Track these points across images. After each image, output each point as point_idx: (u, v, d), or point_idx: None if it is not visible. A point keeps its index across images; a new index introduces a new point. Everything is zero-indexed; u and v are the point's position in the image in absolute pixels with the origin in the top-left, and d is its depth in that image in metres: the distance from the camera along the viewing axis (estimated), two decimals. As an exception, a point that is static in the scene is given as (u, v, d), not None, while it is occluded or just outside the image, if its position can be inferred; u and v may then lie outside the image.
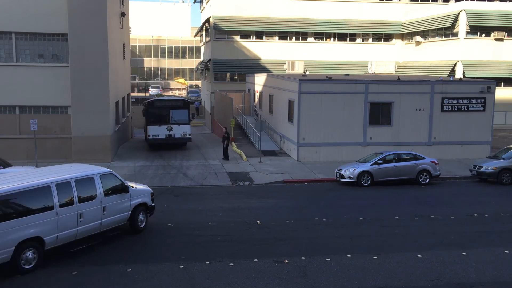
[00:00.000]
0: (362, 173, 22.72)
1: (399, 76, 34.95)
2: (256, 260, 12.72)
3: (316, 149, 28.02)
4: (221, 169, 26.15)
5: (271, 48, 49.35)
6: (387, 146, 27.30)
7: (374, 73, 47.65)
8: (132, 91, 61.09)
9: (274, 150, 30.89)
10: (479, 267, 12.32)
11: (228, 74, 50.67)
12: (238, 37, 48.98)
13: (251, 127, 33.57)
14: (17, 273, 11.89)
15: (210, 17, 48.25)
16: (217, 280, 11.46)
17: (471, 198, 20.60)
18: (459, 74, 41.67)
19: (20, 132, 26.83)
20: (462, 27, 42.25)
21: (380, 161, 23.12)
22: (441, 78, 31.46)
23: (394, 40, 51.48)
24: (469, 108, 29.00)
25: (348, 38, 50.59)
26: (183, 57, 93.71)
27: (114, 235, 14.69)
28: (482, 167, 23.66)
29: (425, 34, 47.68)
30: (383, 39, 51.40)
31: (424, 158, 23.70)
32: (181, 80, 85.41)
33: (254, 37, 49.27)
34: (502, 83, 42.90)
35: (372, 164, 23.00)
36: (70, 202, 13.10)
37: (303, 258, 12.86)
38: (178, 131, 31.52)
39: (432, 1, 50.84)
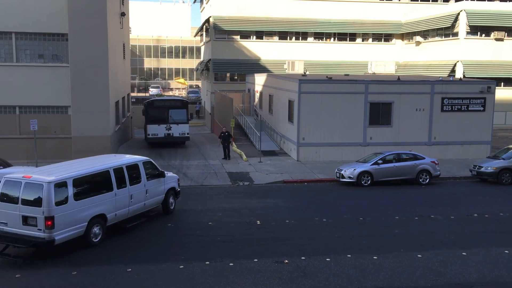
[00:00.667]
0: (362, 173, 22.72)
1: (399, 76, 34.96)
2: (256, 260, 12.72)
3: (316, 149, 28.02)
4: (221, 169, 26.16)
5: (271, 48, 49.36)
6: (387, 146, 27.29)
7: (374, 73, 47.64)
8: (132, 91, 61.10)
9: (274, 150, 30.90)
10: (479, 267, 12.32)
11: (228, 74, 50.68)
12: (238, 37, 48.99)
13: (251, 127, 33.58)
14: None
15: (210, 17, 48.26)
16: (217, 280, 11.46)
17: (471, 198, 20.60)
18: (459, 74, 41.68)
19: (20, 132, 26.84)
20: (462, 27, 42.26)
21: (380, 161, 23.12)
22: (441, 78, 31.46)
23: (394, 40, 51.49)
24: (469, 108, 29.00)
25: (348, 38, 50.60)
26: (183, 57, 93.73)
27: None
28: (482, 167, 23.66)
29: (425, 34, 47.69)
30: (383, 39, 51.42)
31: (424, 158, 23.70)
32: (181, 80, 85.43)
33: (254, 37, 49.28)
34: (502, 83, 42.90)
35: (372, 164, 23.00)
36: (124, 185, 15.19)
37: (303, 258, 12.87)
38: (177, 130, 32.28)
39: (432, 1, 50.86)
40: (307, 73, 39.04)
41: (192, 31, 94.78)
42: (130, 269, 12.13)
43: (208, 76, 52.70)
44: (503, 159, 23.66)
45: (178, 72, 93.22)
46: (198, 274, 11.85)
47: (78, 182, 13.69)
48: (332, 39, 50.41)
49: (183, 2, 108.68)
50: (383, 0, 50.23)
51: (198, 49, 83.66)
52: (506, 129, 41.07)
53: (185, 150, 32.21)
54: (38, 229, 12.86)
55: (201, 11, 60.15)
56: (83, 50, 26.28)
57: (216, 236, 14.88)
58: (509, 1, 45.78)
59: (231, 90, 44.98)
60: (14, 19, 26.01)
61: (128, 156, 17.01)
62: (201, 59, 61.64)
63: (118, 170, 15.06)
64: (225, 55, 48.34)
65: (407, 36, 50.79)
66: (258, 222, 16.41)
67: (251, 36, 49.24)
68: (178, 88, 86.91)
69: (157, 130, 32.11)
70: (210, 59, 49.58)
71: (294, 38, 49.92)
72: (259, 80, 39.35)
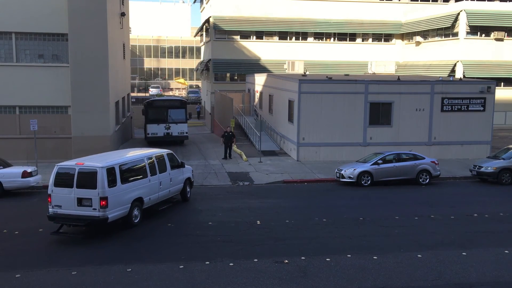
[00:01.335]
0: (362, 173, 22.72)
1: (399, 76, 34.95)
2: (256, 260, 12.72)
3: (316, 149, 28.02)
4: (221, 169, 26.16)
5: (271, 48, 49.36)
6: (387, 146, 27.29)
7: (374, 73, 47.67)
8: (132, 91, 61.10)
9: (274, 150, 30.90)
10: (479, 267, 12.32)
11: (228, 74, 50.68)
12: (238, 37, 48.99)
13: (251, 127, 33.58)
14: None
15: (210, 17, 48.26)
16: (217, 280, 11.46)
17: (471, 198, 20.60)
18: (459, 74, 41.68)
19: (20, 132, 26.84)
20: (462, 27, 42.26)
21: (380, 161, 23.12)
22: (441, 78, 31.45)
23: (394, 40, 51.49)
24: (469, 108, 29.00)
25: (348, 38, 50.60)
26: (183, 57, 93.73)
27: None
28: (482, 167, 23.65)
29: (425, 34, 47.69)
30: (383, 39, 51.42)
31: (424, 158, 23.69)
32: (181, 80, 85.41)
33: (254, 37, 49.28)
34: (502, 83, 42.90)
35: (372, 164, 23.00)
36: (154, 173, 16.98)
37: (303, 258, 12.86)
38: (176, 129, 32.92)
39: (432, 1, 50.86)
40: (307, 73, 39.03)
41: (192, 31, 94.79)
42: (130, 269, 12.13)
43: (208, 76, 52.70)
44: (503, 159, 23.65)
45: (178, 72, 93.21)
46: (198, 274, 11.85)
47: (123, 168, 15.51)
48: (332, 39, 50.41)
49: (183, 2, 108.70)
50: (383, 0, 50.23)
51: (198, 49, 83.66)
52: (506, 129, 41.08)
53: (185, 150, 32.22)
54: (93, 208, 14.60)
55: (201, 11, 60.16)
56: (83, 50, 26.28)
57: (216, 236, 14.88)
58: (509, 1, 45.78)
59: (231, 90, 44.98)
60: (14, 19, 26.02)
61: (150, 149, 18.79)
62: (201, 59, 61.64)
63: (150, 160, 16.97)
64: (225, 55, 48.34)
65: (407, 36, 50.80)
66: (258, 222, 16.41)
67: (251, 36, 49.24)
68: (178, 88, 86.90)
69: (157, 130, 32.73)
70: (210, 59, 49.58)
71: (294, 38, 49.92)
72: (259, 80, 39.35)
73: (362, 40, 51.13)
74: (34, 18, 26.06)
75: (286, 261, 12.66)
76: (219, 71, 49.33)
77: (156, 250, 13.68)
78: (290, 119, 29.30)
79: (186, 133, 33.44)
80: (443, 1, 50.53)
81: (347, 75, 38.18)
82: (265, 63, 48.87)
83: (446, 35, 44.40)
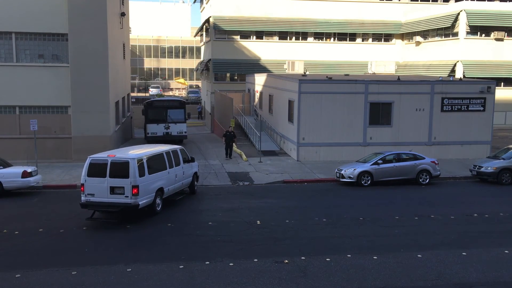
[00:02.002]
0: (362, 173, 22.72)
1: (399, 76, 34.95)
2: (256, 260, 12.72)
3: (316, 149, 28.02)
4: (221, 169, 26.15)
5: (271, 48, 49.35)
6: (387, 146, 27.30)
7: (374, 73, 47.67)
8: (132, 91, 61.11)
9: (274, 150, 30.90)
10: (479, 267, 12.32)
11: (228, 74, 50.67)
12: (238, 37, 48.99)
13: (251, 127, 33.58)
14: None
15: (210, 17, 48.25)
16: (217, 280, 11.46)
17: (471, 198, 20.60)
18: (459, 74, 41.68)
19: (20, 132, 26.83)
20: (462, 27, 42.26)
21: (380, 161, 23.12)
22: (441, 78, 31.45)
23: (394, 40, 51.49)
24: (469, 108, 28.99)
25: (348, 38, 50.60)
26: (183, 57, 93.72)
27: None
28: (482, 167, 23.65)
29: (425, 34, 47.69)
30: (383, 39, 51.41)
31: (424, 158, 23.69)
32: (181, 80, 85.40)
33: (254, 37, 49.28)
34: (502, 83, 42.90)
35: (372, 164, 23.00)
36: (172, 166, 18.47)
37: (303, 258, 12.86)
38: (175, 129, 33.67)
39: (432, 1, 50.85)
40: (307, 73, 39.04)
41: (192, 31, 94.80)
42: (130, 269, 12.13)
43: (208, 76, 52.70)
44: (503, 159, 23.65)
45: (178, 72, 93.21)
46: (198, 274, 11.85)
47: (149, 160, 16.95)
48: (332, 39, 50.40)
49: (183, 2, 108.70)
50: (383, 0, 50.23)
51: (198, 49, 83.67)
52: (506, 129, 41.08)
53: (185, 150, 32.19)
54: (125, 196, 16.00)
55: (201, 11, 60.16)
56: (83, 50, 26.29)
57: (216, 236, 14.88)
58: (509, 1, 45.78)
59: (231, 90, 44.98)
60: (14, 19, 26.01)
61: (161, 145, 20.32)
62: (201, 59, 61.64)
63: (168, 154, 18.45)
64: (225, 55, 48.33)
65: (407, 36, 50.79)
66: (258, 222, 16.41)
67: (251, 36, 49.24)
68: (178, 88, 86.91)
69: (156, 129, 33.38)
70: (210, 59, 49.58)
71: (294, 38, 49.91)
72: (259, 80, 39.35)
73: (362, 40, 51.12)
74: (34, 18, 26.06)
75: (286, 261, 12.66)
76: (219, 71, 49.32)
77: (156, 250, 13.68)
78: (290, 119, 29.30)
79: (185, 132, 34.15)
80: (443, 1, 50.53)
81: (347, 75, 38.18)
82: (265, 63, 48.87)
83: (446, 35, 44.40)
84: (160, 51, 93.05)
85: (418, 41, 48.15)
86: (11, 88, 26.59)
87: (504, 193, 21.48)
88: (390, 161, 23.27)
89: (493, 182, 23.50)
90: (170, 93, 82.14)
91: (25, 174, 20.76)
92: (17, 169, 21.03)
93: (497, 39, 43.00)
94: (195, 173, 21.07)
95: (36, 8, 26.02)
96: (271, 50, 49.26)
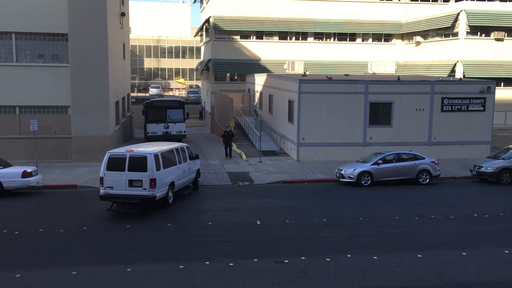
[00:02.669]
0: (362, 173, 22.72)
1: (399, 76, 34.96)
2: (256, 260, 12.71)
3: (316, 149, 28.02)
4: (221, 169, 26.15)
5: (271, 48, 49.35)
6: (387, 146, 27.30)
7: (374, 73, 47.67)
8: (132, 91, 61.12)
9: (274, 150, 30.89)
10: (479, 267, 12.32)
11: (228, 74, 50.67)
12: (238, 37, 48.98)
13: (251, 127, 33.58)
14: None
15: (210, 17, 48.25)
16: (217, 280, 11.46)
17: (471, 198, 20.60)
18: (459, 74, 41.67)
19: (20, 132, 26.83)
20: (462, 27, 42.26)
21: (380, 161, 23.12)
22: (441, 78, 31.45)
23: (394, 40, 51.49)
24: (469, 108, 29.00)
25: (348, 38, 50.59)
26: (183, 57, 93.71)
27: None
28: (482, 167, 23.65)
29: (425, 34, 47.68)
30: (383, 39, 51.41)
31: (424, 158, 23.69)
32: (181, 80, 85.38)
33: (254, 37, 49.27)
34: (502, 83, 42.90)
35: (372, 164, 23.00)
36: (180, 162, 19.56)
37: (303, 258, 12.86)
38: (174, 128, 34.30)
39: (432, 1, 50.85)
40: (307, 73, 39.03)
41: (192, 31, 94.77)
42: (130, 269, 12.13)
43: (208, 76, 52.70)
44: (503, 159, 23.65)
45: (178, 72, 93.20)
46: (198, 274, 11.84)
47: (163, 155, 18.02)
48: (332, 39, 50.40)
49: (183, 2, 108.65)
50: (383, 0, 50.23)
51: (198, 49, 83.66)
52: (506, 129, 41.08)
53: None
54: (143, 188, 17.04)
55: (201, 11, 60.15)
56: (83, 50, 26.29)
57: (216, 236, 14.88)
58: (509, 1, 45.78)
59: (231, 90, 44.97)
60: (14, 19, 26.01)
61: (170, 143, 21.29)
62: (201, 59, 61.63)
63: (177, 150, 19.59)
64: (225, 55, 48.32)
65: (407, 36, 50.79)
66: (258, 222, 16.41)
67: (251, 36, 49.24)
68: (178, 88, 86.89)
69: (156, 129, 33.90)
70: (210, 59, 49.57)
71: (294, 38, 49.91)
72: (259, 80, 39.35)
73: (362, 40, 51.12)
74: (34, 18, 26.05)
75: (286, 261, 12.66)
76: (219, 71, 49.32)
77: (156, 250, 13.68)
78: (290, 119, 29.30)
79: (184, 132, 34.65)
80: (443, 1, 50.52)
81: (347, 75, 38.18)
82: (265, 63, 48.87)
83: (446, 35, 44.40)
84: (160, 51, 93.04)
85: (418, 41, 48.15)
86: (11, 88, 26.59)
87: (504, 193, 21.48)
88: (390, 161, 23.27)
89: (493, 182, 23.50)
90: (170, 93, 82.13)
91: (25, 174, 20.76)
92: (17, 169, 21.04)
93: (497, 39, 42.99)
94: (198, 169, 22.12)
95: (36, 8, 26.01)
96: (271, 50, 49.25)
